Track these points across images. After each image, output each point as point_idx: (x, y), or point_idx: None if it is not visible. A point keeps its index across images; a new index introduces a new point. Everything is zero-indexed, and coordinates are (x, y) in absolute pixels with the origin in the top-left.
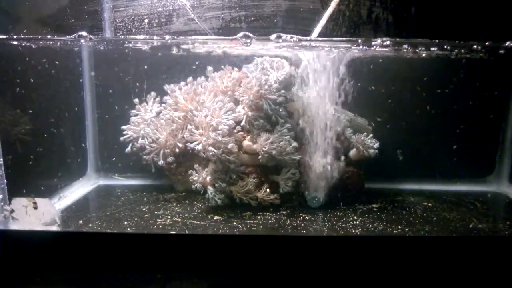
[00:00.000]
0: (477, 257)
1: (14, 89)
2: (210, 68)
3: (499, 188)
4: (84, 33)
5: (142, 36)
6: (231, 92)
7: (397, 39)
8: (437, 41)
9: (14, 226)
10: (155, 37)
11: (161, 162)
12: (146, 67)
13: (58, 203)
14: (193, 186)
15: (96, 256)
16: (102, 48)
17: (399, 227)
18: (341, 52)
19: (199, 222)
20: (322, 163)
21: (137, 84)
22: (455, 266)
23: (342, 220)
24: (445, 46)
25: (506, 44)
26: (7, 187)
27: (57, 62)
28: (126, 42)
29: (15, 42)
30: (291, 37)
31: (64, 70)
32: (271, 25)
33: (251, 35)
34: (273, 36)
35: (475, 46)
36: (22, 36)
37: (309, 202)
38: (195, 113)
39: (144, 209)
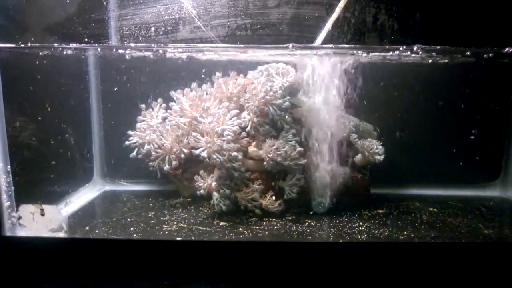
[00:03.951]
0: (483, 263)
1: (21, 96)
2: (217, 75)
3: (505, 193)
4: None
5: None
6: (237, 98)
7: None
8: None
9: (21, 232)
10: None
11: (166, 167)
12: (152, 73)
13: (64, 209)
14: (198, 192)
15: (103, 262)
16: (108, 55)
17: (405, 232)
18: (346, 58)
19: (205, 228)
20: (327, 169)
21: (144, 90)
22: (461, 272)
23: (347, 226)
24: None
25: (506, 50)
26: (15, 193)
27: (63, 70)
28: (133, 50)
29: (22, 51)
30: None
31: (71, 77)
32: (277, 33)
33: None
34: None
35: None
36: (29, 45)
37: (314, 208)
38: (200, 120)
39: (150, 215)
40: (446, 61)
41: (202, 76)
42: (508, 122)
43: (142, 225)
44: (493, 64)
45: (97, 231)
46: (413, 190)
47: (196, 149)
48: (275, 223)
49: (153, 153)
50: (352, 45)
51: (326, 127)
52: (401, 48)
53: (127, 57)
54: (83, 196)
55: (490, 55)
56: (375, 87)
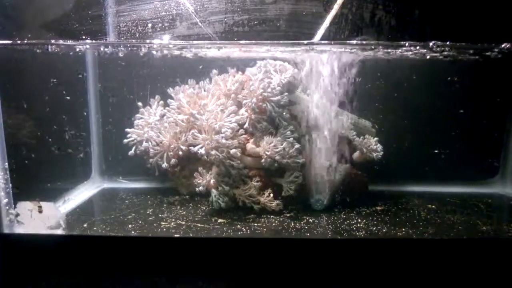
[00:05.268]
0: (481, 260)
1: (18, 94)
2: (214, 71)
3: (503, 190)
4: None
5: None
6: (234, 95)
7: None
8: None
9: (19, 229)
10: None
11: (165, 165)
12: (149, 70)
13: (63, 206)
14: (197, 189)
15: (101, 259)
16: (105, 52)
17: (403, 229)
18: (344, 55)
19: (203, 225)
20: (325, 166)
21: (142, 87)
22: (459, 268)
23: (346, 223)
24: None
25: (502, 46)
26: (12, 190)
27: (61, 67)
28: (130, 46)
29: (19, 47)
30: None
31: (68, 74)
32: (275, 29)
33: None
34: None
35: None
36: (26, 41)
37: (313, 205)
38: (198, 117)
39: (148, 212)
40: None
41: (200, 72)
42: (507, 119)
43: (140, 222)
44: (492, 61)
45: (95, 228)
46: (412, 187)
47: (194, 146)
48: (273, 220)
49: (151, 150)
50: (352, 41)
51: (324, 124)
52: (406, 44)
53: (120, 54)
54: (81, 194)
55: (505, 52)
56: (373, 83)
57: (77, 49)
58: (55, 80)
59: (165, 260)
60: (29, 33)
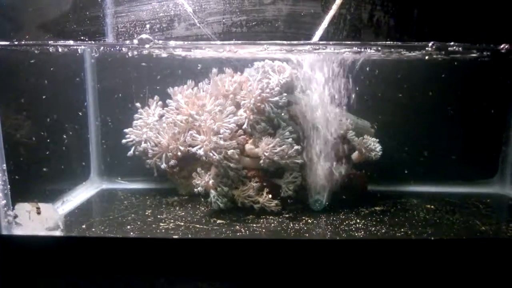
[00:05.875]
0: (480, 260)
1: (17, 94)
2: (213, 72)
3: (502, 190)
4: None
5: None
6: (233, 95)
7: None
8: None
9: (17, 231)
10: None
11: (163, 165)
12: (148, 71)
13: (61, 207)
14: (195, 189)
15: (99, 261)
16: (104, 53)
17: (402, 230)
18: (343, 55)
19: (202, 226)
20: (324, 166)
21: (140, 88)
22: (458, 269)
23: (344, 223)
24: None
25: (501, 46)
26: (10, 192)
27: (59, 67)
28: (128, 47)
29: (17, 48)
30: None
31: (67, 75)
32: (273, 30)
33: None
34: None
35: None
36: (24, 42)
37: (311, 205)
38: (197, 118)
39: (147, 213)
40: (443, 57)
41: (198, 73)
42: (506, 119)
43: (139, 223)
44: (491, 61)
45: (94, 229)
46: (411, 187)
47: (193, 147)
48: (272, 220)
49: (149, 151)
50: (350, 42)
51: (323, 124)
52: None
53: (117, 56)
54: (80, 195)
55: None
56: (372, 83)
57: (75, 50)
58: (53, 80)
59: (164, 261)
60: (27, 34)
